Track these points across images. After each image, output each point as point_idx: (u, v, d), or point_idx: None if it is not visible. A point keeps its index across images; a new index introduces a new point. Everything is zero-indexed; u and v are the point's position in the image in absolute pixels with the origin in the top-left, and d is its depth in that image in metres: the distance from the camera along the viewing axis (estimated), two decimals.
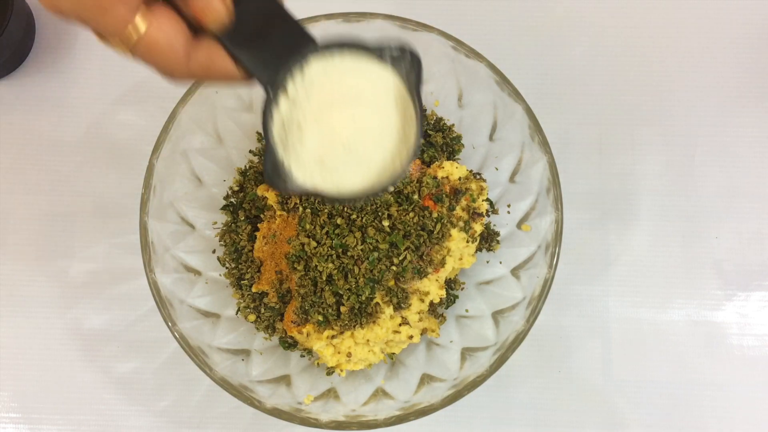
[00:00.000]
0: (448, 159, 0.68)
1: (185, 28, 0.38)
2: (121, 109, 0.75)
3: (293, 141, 0.41)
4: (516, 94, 0.62)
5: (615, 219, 0.74)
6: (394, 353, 0.65)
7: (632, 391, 0.70)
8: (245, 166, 0.70)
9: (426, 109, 0.69)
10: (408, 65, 0.41)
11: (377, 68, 0.41)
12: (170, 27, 0.38)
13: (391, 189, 0.61)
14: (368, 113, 0.41)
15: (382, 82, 0.41)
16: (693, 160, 0.75)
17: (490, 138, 0.68)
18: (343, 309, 0.60)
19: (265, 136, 0.41)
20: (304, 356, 0.67)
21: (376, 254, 0.59)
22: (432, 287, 0.62)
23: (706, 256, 0.73)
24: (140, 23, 0.37)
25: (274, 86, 0.40)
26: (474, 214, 0.62)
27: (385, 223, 0.60)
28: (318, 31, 0.62)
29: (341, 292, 0.60)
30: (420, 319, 0.63)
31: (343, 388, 0.65)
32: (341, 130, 0.40)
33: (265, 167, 0.41)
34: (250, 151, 0.70)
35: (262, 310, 0.66)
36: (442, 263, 0.62)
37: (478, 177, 0.65)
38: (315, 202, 0.61)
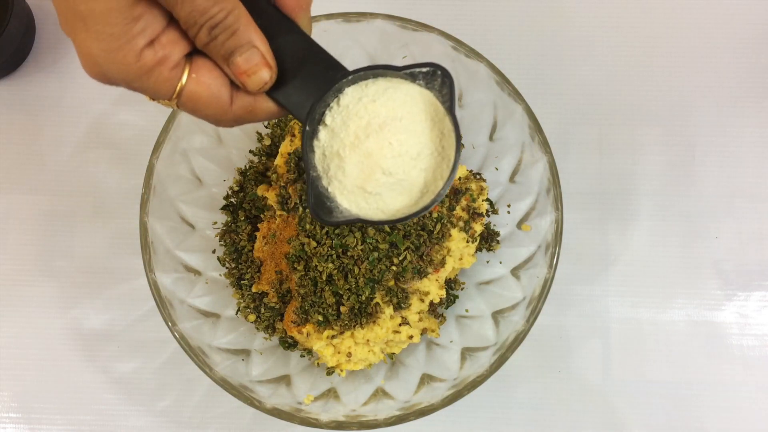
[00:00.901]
0: None
1: (227, 79, 0.39)
2: (121, 109, 0.75)
3: (335, 170, 0.41)
4: (516, 94, 0.62)
5: (615, 219, 0.73)
6: (394, 353, 0.65)
7: (632, 391, 0.70)
8: (245, 166, 0.70)
9: None
10: (440, 81, 0.41)
11: (410, 89, 0.41)
12: (212, 80, 0.38)
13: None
14: (404, 136, 0.40)
15: (415, 102, 0.41)
16: (693, 160, 0.75)
17: (490, 138, 0.68)
18: (343, 309, 0.60)
19: (305, 169, 0.41)
20: (304, 356, 0.67)
21: (376, 254, 0.59)
22: (432, 287, 0.62)
23: (706, 256, 0.73)
24: (183, 79, 0.38)
25: (312, 120, 0.40)
26: (474, 214, 0.62)
27: None
28: (318, 30, 0.62)
29: (341, 292, 0.60)
30: (420, 319, 0.63)
31: (343, 388, 0.64)
32: (379, 157, 0.40)
33: (308, 200, 0.41)
34: (250, 151, 0.70)
35: (262, 310, 0.66)
36: (442, 263, 0.61)
37: (478, 177, 0.65)
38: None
